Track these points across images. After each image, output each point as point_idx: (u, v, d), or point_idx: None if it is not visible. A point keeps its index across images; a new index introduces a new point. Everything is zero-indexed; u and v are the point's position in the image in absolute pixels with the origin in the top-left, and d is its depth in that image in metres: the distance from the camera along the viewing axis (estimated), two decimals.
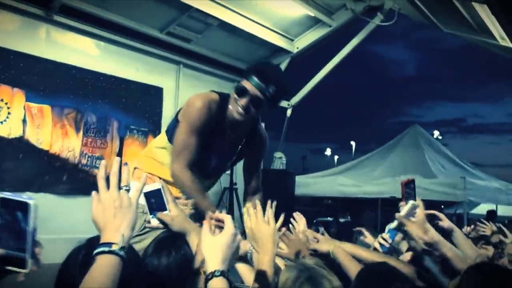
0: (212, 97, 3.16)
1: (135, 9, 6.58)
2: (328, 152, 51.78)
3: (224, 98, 3.20)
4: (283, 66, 8.51)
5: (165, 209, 2.04)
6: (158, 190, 2.03)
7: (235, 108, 3.12)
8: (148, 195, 2.04)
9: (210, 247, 1.68)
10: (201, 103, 3.08)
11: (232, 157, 3.42)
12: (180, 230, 2.03)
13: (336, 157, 49.14)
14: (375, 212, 11.03)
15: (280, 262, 2.59)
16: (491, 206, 11.77)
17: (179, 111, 3.24)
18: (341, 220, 11.82)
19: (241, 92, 3.11)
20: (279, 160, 8.62)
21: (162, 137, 3.35)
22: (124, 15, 6.58)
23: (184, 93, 7.66)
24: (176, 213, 2.05)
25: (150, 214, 2.06)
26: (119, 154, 6.76)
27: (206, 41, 7.64)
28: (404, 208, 2.27)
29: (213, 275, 1.61)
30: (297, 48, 8.48)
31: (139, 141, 7.05)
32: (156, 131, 7.20)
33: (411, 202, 2.28)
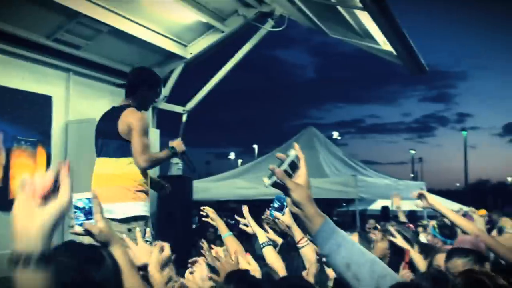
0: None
1: (19, 15, 6.38)
2: (232, 156, 52.49)
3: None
4: (177, 72, 8.61)
5: (92, 219, 2.08)
6: (88, 200, 2.08)
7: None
8: (76, 204, 2.07)
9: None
10: (143, 116, 4.30)
11: None
12: (105, 241, 2.07)
13: (239, 160, 49.76)
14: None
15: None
16: (388, 202, 12.48)
17: (110, 130, 4.30)
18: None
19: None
20: (176, 166, 8.66)
21: (121, 160, 4.31)
22: (7, 21, 6.37)
23: (75, 101, 7.54)
24: (103, 225, 2.08)
25: (76, 221, 2.09)
26: (6, 166, 6.54)
27: (97, 48, 7.55)
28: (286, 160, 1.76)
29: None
30: (191, 53, 8.59)
31: (28, 152, 6.84)
32: (46, 141, 7.04)
33: (292, 151, 1.78)
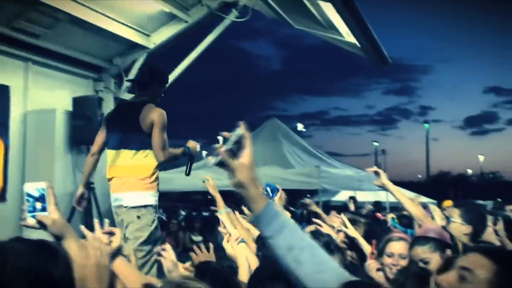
0: None
1: None
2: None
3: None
4: (139, 62, 8.50)
5: (46, 211, 2.01)
6: (43, 189, 2.02)
7: None
8: (29, 194, 2.01)
9: None
10: (163, 112, 4.51)
11: None
12: (59, 234, 2.00)
13: (204, 152, 49.52)
14: (235, 204, 11.25)
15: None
16: (353, 193, 12.64)
17: (132, 124, 4.52)
18: (205, 214, 12.03)
19: None
20: None
21: (140, 152, 4.57)
22: None
23: (34, 92, 7.40)
24: (57, 216, 2.01)
25: (29, 212, 2.02)
26: None
27: (57, 37, 7.40)
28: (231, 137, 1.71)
29: None
30: (154, 43, 8.49)
31: None
32: (3, 132, 6.89)
33: (237, 129, 1.73)
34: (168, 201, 17.33)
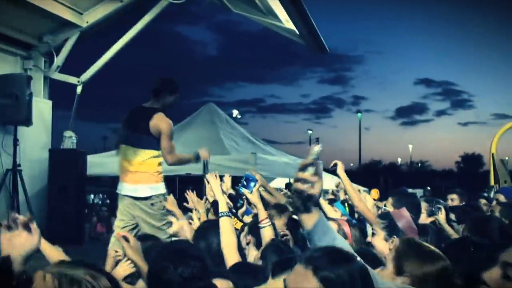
0: None
1: None
2: None
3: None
4: (71, 40, 8.22)
5: None
6: None
7: None
8: None
9: None
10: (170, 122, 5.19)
11: None
12: None
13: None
14: (172, 190, 11.12)
15: None
16: (286, 180, 12.76)
17: (142, 126, 5.08)
18: None
19: None
20: (69, 140, 8.34)
21: (148, 151, 5.13)
22: None
23: None
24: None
25: None
26: None
27: None
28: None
29: None
30: (87, 22, 8.22)
31: None
32: None
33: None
34: (100, 185, 16.90)
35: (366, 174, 45.29)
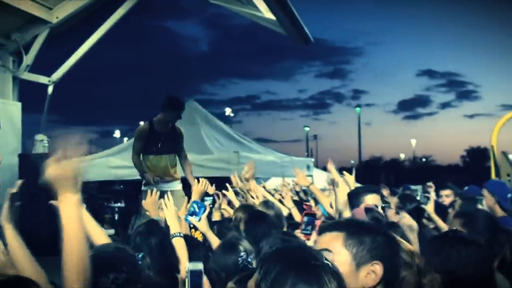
0: None
1: None
2: (117, 134, 48.03)
3: None
4: (41, 37, 7.91)
5: None
6: None
7: None
8: None
9: None
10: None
11: None
12: None
13: (126, 139, 46.98)
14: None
15: None
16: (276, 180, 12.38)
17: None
18: (118, 205, 11.44)
19: None
20: (41, 144, 8.05)
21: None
22: None
23: None
24: None
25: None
26: None
27: None
28: None
29: None
30: (57, 17, 7.90)
31: None
32: None
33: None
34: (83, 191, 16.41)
35: (367, 171, 44.89)
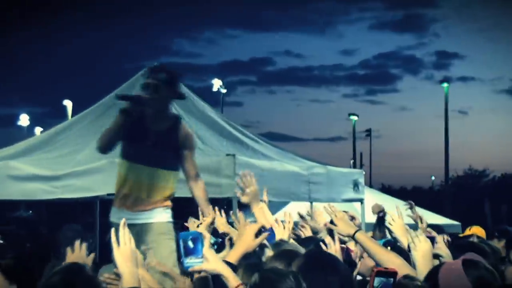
0: None
1: None
2: (24, 121, 32.04)
3: None
4: None
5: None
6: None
7: None
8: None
9: None
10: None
11: None
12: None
13: (38, 128, 29.66)
14: (86, 221, 7.97)
15: None
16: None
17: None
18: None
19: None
20: None
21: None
22: None
23: None
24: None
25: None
26: None
27: None
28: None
29: None
30: None
31: None
32: None
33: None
34: None
35: (460, 193, 36.45)
